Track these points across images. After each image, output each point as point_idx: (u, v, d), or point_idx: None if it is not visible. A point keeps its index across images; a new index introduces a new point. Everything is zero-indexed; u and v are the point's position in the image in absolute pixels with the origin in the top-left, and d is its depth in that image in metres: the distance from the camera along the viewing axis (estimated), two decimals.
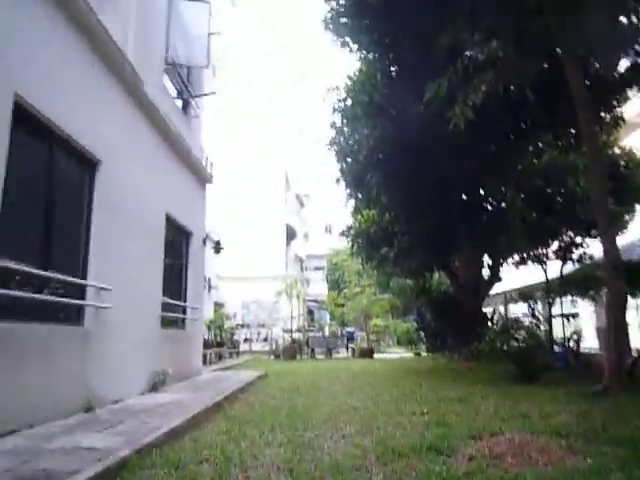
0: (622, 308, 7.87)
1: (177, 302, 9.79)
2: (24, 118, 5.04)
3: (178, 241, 10.31)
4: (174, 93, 10.64)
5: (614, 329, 7.71)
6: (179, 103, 10.92)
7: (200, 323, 11.62)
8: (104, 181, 6.71)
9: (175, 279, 10.10)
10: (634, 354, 9.34)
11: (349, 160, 12.93)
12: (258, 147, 29.89)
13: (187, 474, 3.76)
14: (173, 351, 9.36)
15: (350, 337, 26.16)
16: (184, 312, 10.29)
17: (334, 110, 12.72)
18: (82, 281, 6.22)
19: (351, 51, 11.81)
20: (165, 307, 8.99)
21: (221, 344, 18.37)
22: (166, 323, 9.09)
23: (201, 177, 11.61)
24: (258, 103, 31.06)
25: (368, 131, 11.67)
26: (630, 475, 3.44)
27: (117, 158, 7.09)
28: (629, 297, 9.66)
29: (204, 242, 11.55)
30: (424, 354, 21.40)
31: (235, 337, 21.80)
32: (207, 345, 15.85)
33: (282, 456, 4.20)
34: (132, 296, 7.55)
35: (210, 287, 21.80)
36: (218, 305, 24.17)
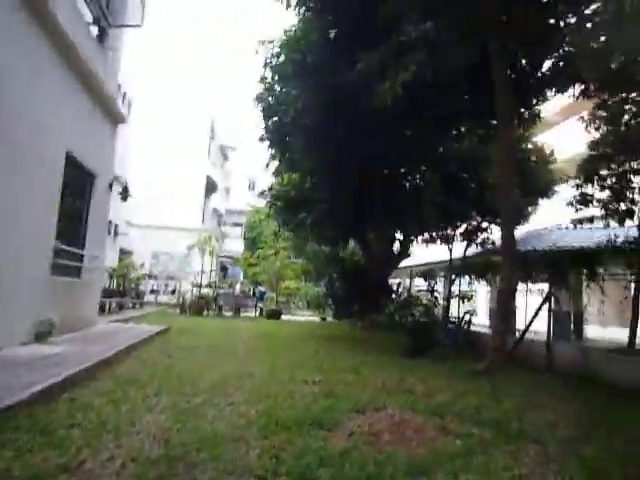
0: (511, 294, 8.47)
1: (73, 249, 9.08)
2: None
3: (80, 183, 9.47)
4: (90, 19, 9.56)
5: (501, 313, 8.31)
6: (94, 32, 9.84)
7: (99, 272, 10.95)
8: None
9: (73, 224, 9.33)
10: (517, 335, 10.19)
11: (275, 119, 12.53)
12: (185, 92, 28.17)
13: (53, 440, 3.52)
14: (64, 300, 8.73)
15: (260, 297, 26.22)
16: (80, 260, 9.59)
17: (265, 64, 12.16)
18: None
19: (290, 6, 11.25)
20: (58, 253, 8.30)
21: (123, 294, 17.60)
22: (58, 270, 8.41)
23: (113, 116, 10.67)
24: (189, 44, 29.16)
25: (297, 92, 11.32)
26: (490, 458, 3.72)
27: (15, 86, 6.26)
28: (520, 283, 10.45)
29: (110, 186, 10.75)
30: (330, 319, 22.01)
31: (141, 288, 21.01)
32: (108, 294, 15.12)
33: (162, 424, 4.08)
34: (18, 238, 6.87)
35: (116, 233, 20.67)
36: (125, 253, 23.06)
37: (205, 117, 29.90)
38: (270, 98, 12.17)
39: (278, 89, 12.11)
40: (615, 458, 3.94)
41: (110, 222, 12.92)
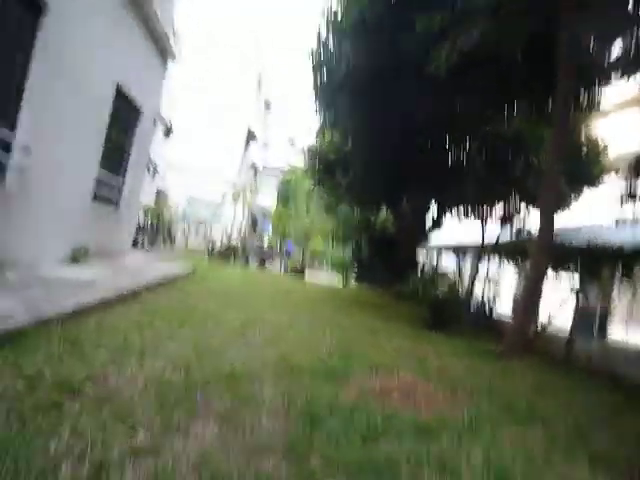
0: (538, 283, 8.30)
1: (114, 179, 9.32)
2: None
3: (126, 116, 9.60)
4: None
5: (524, 300, 8.19)
6: None
7: (136, 206, 11.24)
8: (50, 32, 5.99)
9: (116, 156, 9.53)
10: (540, 326, 10.08)
11: (327, 76, 12.32)
12: (238, 39, 27.77)
13: (81, 354, 3.72)
14: (101, 227, 9.04)
15: (287, 253, 26.54)
16: (120, 191, 9.85)
17: (327, 22, 11.89)
18: (9, 133, 5.70)
19: None
20: (100, 182, 8.55)
21: (157, 233, 18.08)
22: (98, 198, 8.69)
23: (164, 51, 10.67)
24: None
25: (352, 50, 11.06)
26: (496, 432, 3.76)
27: (67, 9, 6.31)
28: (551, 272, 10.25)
29: (155, 123, 10.88)
30: (353, 283, 22.17)
31: (173, 229, 21.50)
32: (142, 231, 15.55)
33: (183, 354, 4.25)
34: (65, 164, 7.08)
35: (155, 172, 21.03)
36: (162, 194, 23.52)
37: (254, 68, 29.56)
38: (324, 54, 11.94)
39: (333, 45, 11.84)
40: (621, 451, 3.93)
41: (150, 160, 13.11)
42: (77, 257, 7.76)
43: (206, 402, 3.27)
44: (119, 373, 3.46)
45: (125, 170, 9.85)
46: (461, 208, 16.35)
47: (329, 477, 2.56)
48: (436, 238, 18.14)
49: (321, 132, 16.18)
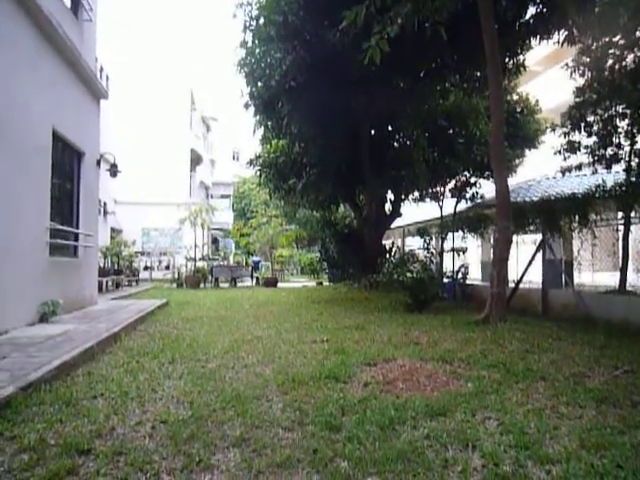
0: (507, 244, 8.60)
1: (67, 228, 9.01)
2: None
3: (68, 161, 9.30)
4: None
5: (498, 264, 8.46)
6: (67, 2, 9.45)
7: (95, 250, 10.88)
8: None
9: (65, 203, 9.22)
10: (511, 286, 10.43)
11: (259, 84, 12.23)
12: (162, 63, 27.30)
13: (80, 410, 3.61)
14: (64, 280, 8.74)
15: (255, 266, 26.34)
16: (76, 239, 9.53)
17: (245, 28, 11.83)
18: None
19: None
20: (54, 233, 8.24)
21: (119, 272, 17.57)
22: (55, 250, 8.38)
23: (94, 91, 10.38)
24: (164, 13, 28.12)
25: (281, 55, 11.07)
26: (502, 397, 3.89)
27: None
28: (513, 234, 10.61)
29: (98, 163, 10.56)
30: (326, 283, 22.24)
31: (134, 265, 20.95)
32: (103, 273, 15.09)
33: (182, 388, 4.18)
34: (13, 221, 6.79)
35: (106, 212, 20.46)
36: (115, 231, 22.90)
37: (184, 88, 29.15)
38: (253, 63, 11.86)
39: (260, 53, 11.78)
40: (618, 387, 4.14)
41: (99, 200, 12.73)
42: (45, 313, 7.48)
43: (219, 429, 3.23)
44: (124, 421, 3.37)
45: (77, 216, 9.54)
46: (416, 193, 16.76)
47: (363, 478, 2.58)
48: (399, 221, 18.46)
49: (266, 140, 16.14)
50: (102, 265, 15.85)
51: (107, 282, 15.43)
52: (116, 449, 2.89)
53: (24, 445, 2.92)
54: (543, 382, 4.31)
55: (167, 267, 24.58)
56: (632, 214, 9.54)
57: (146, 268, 24.30)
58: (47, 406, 3.66)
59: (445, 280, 13.48)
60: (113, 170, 11.60)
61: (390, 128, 16.00)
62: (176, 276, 20.54)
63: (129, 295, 14.62)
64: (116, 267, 17.65)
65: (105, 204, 20.10)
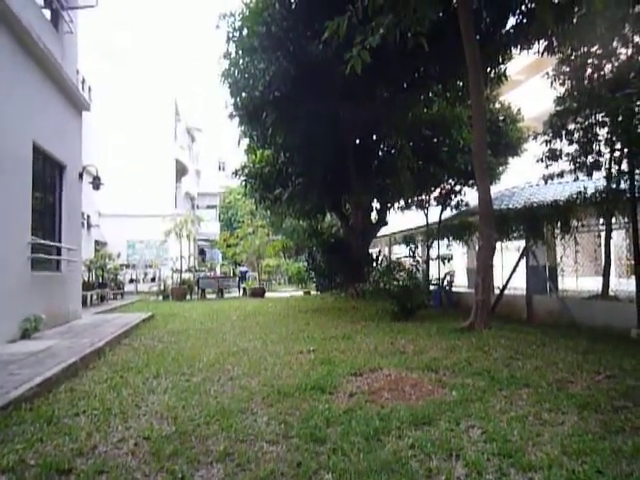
0: (491, 251, 8.69)
1: (50, 242, 8.89)
2: None
3: (50, 175, 9.21)
4: (41, 1, 9.14)
5: (482, 271, 8.53)
6: (47, 14, 9.42)
7: (78, 264, 10.75)
8: None
9: (47, 217, 9.12)
10: (496, 292, 10.53)
11: (244, 95, 12.27)
12: (146, 73, 27.24)
13: (61, 428, 3.55)
14: (47, 295, 8.61)
15: (243, 277, 26.21)
16: (58, 253, 9.41)
17: (228, 39, 11.87)
18: None
19: None
20: (36, 248, 8.13)
21: (103, 285, 17.35)
22: (38, 265, 8.26)
23: (76, 103, 10.31)
24: (147, 24, 28.13)
25: (264, 65, 11.12)
26: (486, 404, 3.92)
27: None
28: (497, 241, 10.73)
29: (80, 176, 10.46)
30: (314, 293, 22.19)
31: (120, 278, 20.71)
32: (88, 287, 14.90)
33: (166, 403, 4.13)
34: None
35: (89, 225, 20.24)
36: (100, 244, 22.64)
37: (168, 98, 29.10)
38: (237, 73, 11.89)
39: (244, 63, 11.83)
40: (600, 392, 4.19)
41: (82, 214, 12.61)
42: (27, 329, 7.36)
43: (203, 444, 3.20)
44: (106, 439, 3.32)
45: (59, 230, 9.43)
46: (402, 201, 16.88)
47: None
48: (385, 230, 18.55)
49: (251, 151, 16.16)
50: (86, 279, 15.65)
51: (92, 296, 15.23)
52: (97, 468, 2.85)
53: (2, 466, 2.86)
54: (527, 389, 4.35)
55: (153, 279, 24.33)
56: (612, 220, 9.71)
57: (132, 281, 24.03)
58: (27, 425, 3.59)
59: (431, 287, 13.55)
60: (96, 182, 11.51)
61: (375, 137, 16.13)
62: (162, 288, 20.34)
63: (114, 309, 14.44)
64: (101, 280, 17.43)
65: (89, 217, 19.89)
